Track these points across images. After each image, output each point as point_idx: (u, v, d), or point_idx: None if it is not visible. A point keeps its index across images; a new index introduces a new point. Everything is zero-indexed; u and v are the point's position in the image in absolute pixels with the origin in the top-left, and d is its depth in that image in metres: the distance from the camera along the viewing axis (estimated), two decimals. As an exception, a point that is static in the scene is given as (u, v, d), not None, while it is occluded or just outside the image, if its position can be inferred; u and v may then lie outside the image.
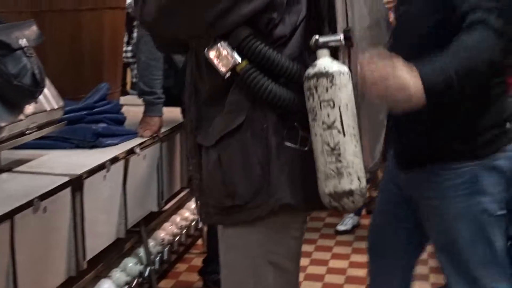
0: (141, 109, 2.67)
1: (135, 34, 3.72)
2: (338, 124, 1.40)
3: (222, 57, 1.43)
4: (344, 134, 1.41)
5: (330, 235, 3.63)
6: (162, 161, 2.63)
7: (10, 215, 1.60)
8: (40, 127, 2.02)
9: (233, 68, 1.41)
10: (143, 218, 2.52)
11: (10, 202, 1.65)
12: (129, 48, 3.64)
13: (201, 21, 1.41)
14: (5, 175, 1.94)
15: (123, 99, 3.10)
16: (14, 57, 1.84)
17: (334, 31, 1.47)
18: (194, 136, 1.56)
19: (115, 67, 2.87)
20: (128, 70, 3.96)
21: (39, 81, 1.90)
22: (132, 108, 2.84)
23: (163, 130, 2.60)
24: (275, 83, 1.43)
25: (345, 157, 1.41)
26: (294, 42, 1.50)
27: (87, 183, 1.98)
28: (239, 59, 1.41)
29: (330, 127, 1.41)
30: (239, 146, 1.48)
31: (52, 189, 1.80)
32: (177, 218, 2.99)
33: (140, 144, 2.40)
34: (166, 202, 2.74)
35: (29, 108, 1.93)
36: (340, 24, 1.47)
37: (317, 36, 1.43)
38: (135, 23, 3.68)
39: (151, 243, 2.65)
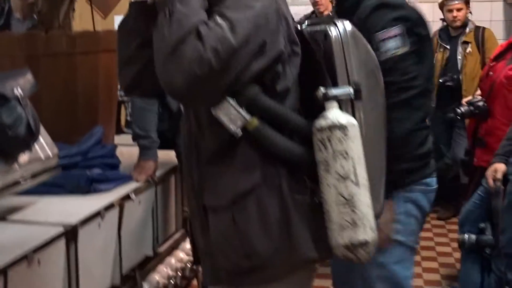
0: (135, 149, 2.66)
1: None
2: (352, 175, 1.42)
3: (232, 116, 1.42)
4: (358, 185, 1.43)
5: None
6: (157, 205, 2.62)
7: (3, 270, 1.58)
8: (34, 176, 2.01)
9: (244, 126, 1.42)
10: (138, 262, 2.49)
11: (4, 255, 1.63)
12: (123, 87, 3.66)
13: (222, 88, 1.39)
14: None
15: (117, 139, 3.10)
16: (9, 107, 1.83)
17: (333, 82, 1.49)
18: (198, 197, 1.54)
19: (109, 109, 2.88)
20: (123, 108, 3.97)
21: (34, 131, 1.90)
22: (126, 148, 2.85)
23: (158, 173, 2.58)
24: (285, 137, 1.46)
25: (360, 208, 1.42)
26: (294, 94, 1.51)
27: (82, 232, 1.96)
28: (249, 117, 1.42)
29: (344, 178, 1.42)
30: (255, 205, 1.47)
31: (46, 241, 1.78)
32: (171, 260, 2.97)
33: (135, 190, 2.39)
34: (160, 244, 2.72)
35: (24, 157, 1.92)
36: (341, 75, 1.50)
37: (322, 89, 1.44)
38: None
39: (146, 287, 2.64)
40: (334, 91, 1.46)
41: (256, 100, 1.43)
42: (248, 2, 1.37)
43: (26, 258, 1.67)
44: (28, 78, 2.00)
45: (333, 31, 1.51)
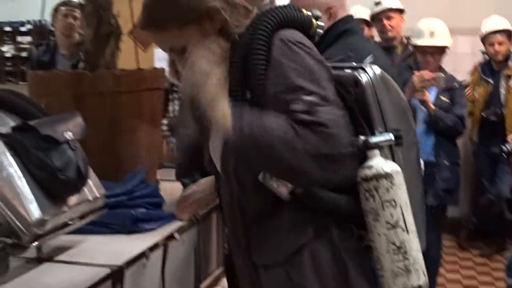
0: (177, 184, 2.68)
1: (170, 108, 3.81)
2: (401, 222, 1.44)
3: (280, 181, 1.45)
4: (408, 232, 1.44)
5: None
6: (200, 243, 2.62)
7: None
8: (82, 216, 2.04)
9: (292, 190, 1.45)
10: (180, 301, 2.50)
11: None
12: (165, 121, 3.71)
13: None
14: (45, 265, 1.95)
15: (159, 173, 3.14)
16: (60, 150, 1.87)
17: (369, 128, 1.49)
18: (246, 255, 1.56)
19: (152, 146, 2.91)
20: (164, 143, 4.02)
21: (84, 174, 1.94)
22: (169, 185, 2.86)
23: (202, 211, 2.59)
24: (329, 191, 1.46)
25: (411, 254, 1.44)
26: None
27: (128, 273, 1.98)
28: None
29: (394, 226, 1.44)
30: (310, 260, 1.49)
31: (94, 283, 1.80)
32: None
33: (178, 229, 2.40)
34: (202, 282, 2.71)
35: (73, 199, 1.95)
36: (378, 122, 1.50)
37: (362, 137, 1.45)
38: (170, 96, 3.78)
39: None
40: (375, 139, 1.46)
41: None
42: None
43: (74, 302, 1.69)
44: (78, 122, 2.05)
45: (363, 77, 1.51)
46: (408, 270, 1.44)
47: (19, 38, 6.82)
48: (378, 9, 4.56)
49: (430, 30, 3.93)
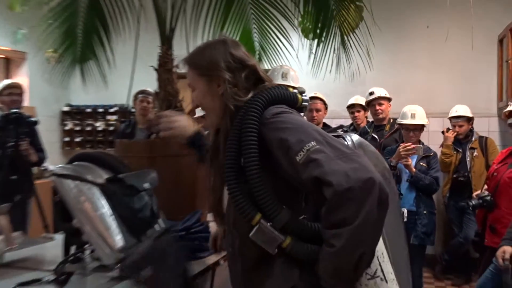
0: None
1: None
2: (379, 273, 1.26)
3: (268, 238, 1.30)
4: (386, 281, 1.27)
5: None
6: (238, 269, 2.59)
7: None
8: (153, 246, 2.05)
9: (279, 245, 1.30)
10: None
11: None
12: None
13: None
14: (126, 283, 1.89)
15: (208, 216, 3.13)
16: (139, 196, 1.91)
17: None
18: None
19: (205, 196, 2.91)
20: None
21: (156, 214, 1.97)
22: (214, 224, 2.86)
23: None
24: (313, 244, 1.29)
25: None
26: (310, 206, 1.39)
27: None
28: (283, 237, 1.30)
29: (373, 276, 1.26)
30: None
31: None
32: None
33: (223, 257, 2.37)
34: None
35: (147, 233, 1.95)
36: None
37: None
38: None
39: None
40: None
41: (289, 223, 1.30)
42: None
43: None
44: (153, 176, 2.09)
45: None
46: None
47: (108, 117, 6.97)
48: (371, 97, 4.61)
49: (411, 113, 3.96)
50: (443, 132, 4.92)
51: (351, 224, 1.14)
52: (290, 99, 1.43)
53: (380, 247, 1.26)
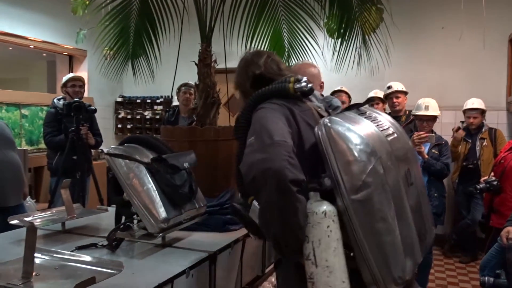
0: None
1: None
2: (311, 257, 1.19)
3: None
4: (316, 266, 1.18)
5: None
6: (265, 240, 2.57)
7: (171, 280, 1.61)
8: (191, 218, 2.06)
9: None
10: (251, 279, 2.45)
11: (172, 270, 1.66)
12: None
13: None
14: (167, 249, 1.97)
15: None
16: (180, 174, 1.93)
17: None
18: None
19: (237, 176, 2.93)
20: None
21: (194, 190, 1.98)
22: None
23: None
24: None
25: (318, 286, 1.18)
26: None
27: (219, 257, 1.97)
28: None
29: (306, 259, 1.20)
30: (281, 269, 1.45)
31: (197, 262, 1.80)
32: (272, 278, 2.91)
33: (253, 230, 2.38)
34: (266, 267, 2.66)
35: (186, 206, 1.99)
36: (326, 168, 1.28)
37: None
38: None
39: (255, 297, 2.59)
40: (311, 184, 1.25)
41: None
42: None
43: (185, 272, 1.69)
44: (192, 157, 2.09)
45: (319, 133, 1.34)
46: None
47: (155, 107, 7.07)
48: (389, 91, 4.52)
49: (425, 105, 3.85)
50: (453, 130, 4.77)
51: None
52: (278, 91, 1.48)
53: (317, 234, 1.18)
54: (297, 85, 1.44)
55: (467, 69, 5.43)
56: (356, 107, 1.45)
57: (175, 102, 4.92)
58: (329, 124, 1.29)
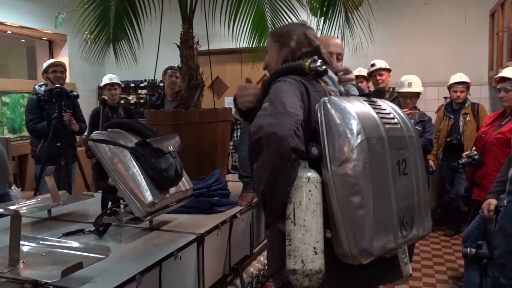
0: (239, 184, 2.69)
1: (234, 134, 3.85)
2: (292, 216, 1.28)
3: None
4: (295, 224, 1.27)
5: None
6: (253, 221, 2.61)
7: (159, 262, 1.63)
8: (178, 201, 2.07)
9: None
10: (240, 259, 2.50)
11: (159, 253, 1.68)
12: (231, 143, 3.75)
13: None
14: (155, 232, 1.98)
15: (227, 177, 3.16)
16: (165, 158, 1.92)
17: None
18: None
19: (223, 158, 2.93)
20: (230, 157, 4.06)
21: (180, 173, 1.98)
22: (233, 183, 2.89)
23: (255, 200, 2.58)
24: None
25: (294, 242, 1.27)
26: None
27: (207, 239, 1.99)
28: None
29: (287, 218, 1.30)
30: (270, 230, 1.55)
31: (185, 244, 1.82)
32: (261, 258, 2.97)
33: (240, 211, 2.40)
34: (254, 247, 2.72)
35: (172, 190, 1.99)
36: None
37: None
38: (234, 126, 3.81)
39: (244, 276, 2.64)
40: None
41: None
42: None
43: (173, 255, 1.71)
44: (176, 140, 2.09)
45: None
46: (289, 254, 1.28)
47: (139, 91, 6.99)
48: (373, 69, 4.52)
49: (408, 82, 3.87)
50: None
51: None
52: (295, 69, 1.54)
53: (299, 196, 1.28)
54: (313, 65, 1.53)
55: (449, 44, 5.45)
56: (367, 96, 1.57)
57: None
58: (326, 100, 1.40)
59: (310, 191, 1.29)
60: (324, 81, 1.62)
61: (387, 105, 1.52)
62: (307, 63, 1.53)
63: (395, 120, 1.44)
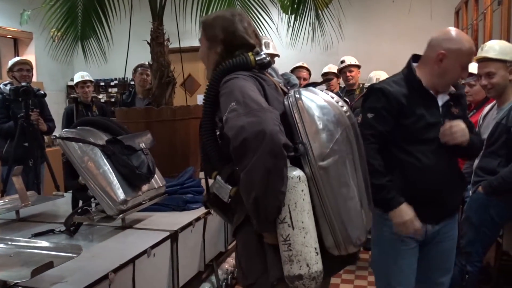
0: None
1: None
2: (287, 219, 1.21)
3: (219, 188, 1.35)
4: (293, 228, 1.21)
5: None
6: (227, 217, 2.61)
7: (132, 260, 1.61)
8: (151, 199, 2.05)
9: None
10: (215, 256, 2.50)
11: (133, 250, 1.66)
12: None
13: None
14: (127, 231, 1.96)
15: (201, 174, 3.15)
16: (137, 155, 1.91)
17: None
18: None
19: (196, 155, 2.90)
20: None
21: (152, 170, 1.97)
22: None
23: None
24: None
25: (295, 247, 1.21)
26: None
27: (181, 236, 1.98)
28: (229, 187, 1.32)
29: (282, 222, 1.22)
30: (242, 234, 1.40)
31: (158, 241, 1.81)
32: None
33: (213, 207, 2.40)
34: (229, 244, 2.72)
35: (145, 187, 1.97)
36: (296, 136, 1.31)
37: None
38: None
39: (219, 272, 2.63)
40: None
41: (232, 175, 1.31)
42: None
43: (146, 252, 1.70)
44: (148, 137, 2.07)
45: (285, 101, 1.39)
46: (290, 260, 1.21)
47: (109, 89, 6.89)
48: (342, 65, 4.58)
49: (376, 77, 3.96)
50: None
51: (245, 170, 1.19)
52: (242, 64, 1.43)
53: (293, 197, 1.22)
54: (258, 57, 1.46)
55: (417, 41, 5.54)
56: (313, 86, 1.48)
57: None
58: (297, 96, 1.35)
59: (302, 190, 1.23)
60: (269, 73, 1.55)
61: (330, 93, 1.46)
62: (252, 57, 1.44)
63: (345, 108, 1.39)
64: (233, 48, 1.49)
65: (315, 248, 1.22)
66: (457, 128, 1.76)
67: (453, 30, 1.87)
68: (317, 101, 1.34)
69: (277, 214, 1.22)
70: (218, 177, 1.35)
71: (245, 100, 1.25)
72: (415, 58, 1.95)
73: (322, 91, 1.41)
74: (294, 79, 3.08)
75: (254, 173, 1.17)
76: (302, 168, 1.28)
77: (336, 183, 1.28)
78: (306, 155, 1.27)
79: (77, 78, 4.62)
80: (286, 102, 1.37)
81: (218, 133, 1.39)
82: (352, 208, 1.31)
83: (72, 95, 4.86)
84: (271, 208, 1.21)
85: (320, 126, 1.29)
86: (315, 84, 1.50)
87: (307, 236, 1.21)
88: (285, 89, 1.54)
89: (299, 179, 1.23)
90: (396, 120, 1.81)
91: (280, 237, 1.23)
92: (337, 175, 1.28)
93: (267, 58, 1.47)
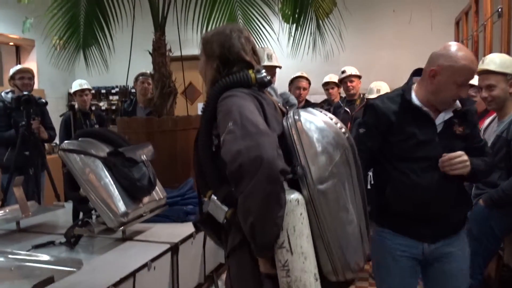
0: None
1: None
2: (286, 244, 1.17)
3: (215, 209, 1.30)
4: (292, 253, 1.17)
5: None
6: (228, 228, 2.59)
7: (133, 273, 1.60)
8: (152, 211, 2.05)
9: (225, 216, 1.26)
10: (215, 267, 2.47)
11: (133, 263, 1.65)
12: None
13: None
14: (128, 243, 1.95)
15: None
16: (138, 167, 1.91)
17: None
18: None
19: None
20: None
21: (153, 183, 1.97)
22: (207, 191, 2.87)
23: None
24: None
25: (293, 273, 1.17)
26: None
27: (181, 248, 1.97)
28: (226, 209, 1.27)
29: (280, 247, 1.18)
30: (236, 257, 1.34)
31: (159, 254, 1.80)
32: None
33: (214, 219, 2.38)
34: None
35: (146, 199, 1.97)
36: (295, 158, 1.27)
37: None
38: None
39: (219, 283, 2.61)
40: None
41: (228, 196, 1.25)
42: None
43: (147, 265, 1.69)
44: (149, 149, 2.08)
45: (284, 123, 1.35)
46: (289, 287, 1.17)
47: (110, 97, 6.90)
48: (343, 75, 4.59)
49: (377, 88, 3.97)
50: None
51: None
52: (242, 81, 1.39)
53: (292, 221, 1.18)
54: (258, 75, 1.44)
55: (417, 51, 5.58)
56: (312, 107, 1.46)
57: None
58: (296, 117, 1.32)
59: (301, 214, 1.20)
60: (268, 91, 1.53)
61: (328, 114, 1.43)
62: (252, 75, 1.40)
63: (344, 129, 1.36)
64: (229, 64, 1.45)
65: (315, 274, 1.19)
66: (457, 161, 1.70)
67: (453, 46, 1.82)
68: (316, 123, 1.31)
69: (275, 239, 1.19)
70: (214, 197, 1.31)
71: (243, 121, 1.21)
72: (419, 72, 1.92)
73: (320, 111, 1.37)
74: (292, 99, 3.08)
75: (251, 199, 1.15)
76: (300, 191, 1.24)
77: (335, 207, 1.25)
78: (304, 178, 1.24)
79: (75, 86, 4.61)
80: (285, 123, 1.35)
81: (214, 150, 1.34)
82: (351, 233, 1.28)
83: (70, 103, 4.84)
84: (269, 234, 1.18)
85: (319, 149, 1.26)
86: (313, 105, 1.49)
87: (306, 261, 1.18)
88: (284, 109, 1.51)
89: (298, 202, 1.20)
90: (385, 137, 1.78)
91: (278, 262, 1.19)
92: (336, 198, 1.25)
93: (267, 77, 1.45)
